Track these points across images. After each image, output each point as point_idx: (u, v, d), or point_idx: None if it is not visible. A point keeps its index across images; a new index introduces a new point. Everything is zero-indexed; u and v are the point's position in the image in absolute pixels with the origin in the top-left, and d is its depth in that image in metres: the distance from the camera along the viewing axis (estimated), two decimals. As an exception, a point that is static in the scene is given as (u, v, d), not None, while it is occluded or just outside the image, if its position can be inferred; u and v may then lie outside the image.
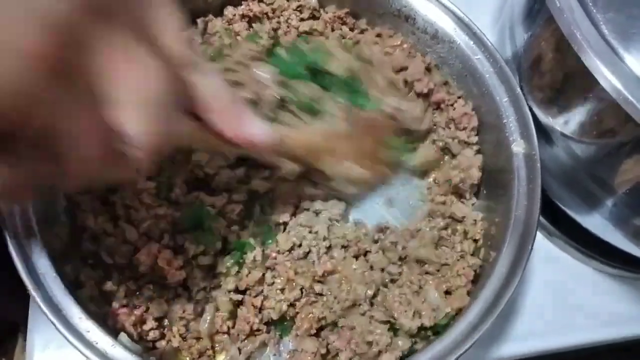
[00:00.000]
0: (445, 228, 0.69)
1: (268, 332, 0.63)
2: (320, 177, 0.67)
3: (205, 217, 0.64)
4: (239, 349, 0.62)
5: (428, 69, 0.76)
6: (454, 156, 0.74)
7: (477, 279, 0.65)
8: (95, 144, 0.38)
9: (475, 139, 0.72)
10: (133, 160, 0.39)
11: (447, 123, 0.75)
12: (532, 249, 0.61)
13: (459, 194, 0.72)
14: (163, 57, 0.39)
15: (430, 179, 0.75)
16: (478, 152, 0.73)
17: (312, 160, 0.63)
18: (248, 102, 0.67)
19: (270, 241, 0.66)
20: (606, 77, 0.54)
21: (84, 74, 0.35)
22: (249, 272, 0.63)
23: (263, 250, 0.64)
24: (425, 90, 0.73)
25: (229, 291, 0.63)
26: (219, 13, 0.76)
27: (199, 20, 0.73)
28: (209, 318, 0.62)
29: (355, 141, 0.66)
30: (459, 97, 0.75)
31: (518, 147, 0.66)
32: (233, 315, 0.63)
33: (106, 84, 0.36)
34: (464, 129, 0.73)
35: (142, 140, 0.38)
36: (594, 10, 0.57)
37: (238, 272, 0.63)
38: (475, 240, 0.68)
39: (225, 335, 0.62)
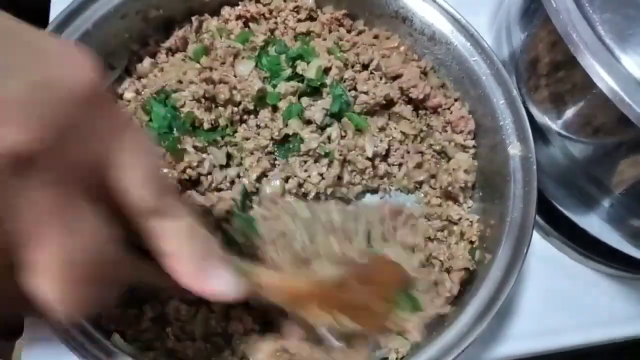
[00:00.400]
0: (442, 230, 0.69)
1: (261, 331, 0.63)
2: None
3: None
4: (233, 350, 0.61)
5: (424, 73, 0.76)
6: (449, 160, 0.74)
7: (472, 282, 0.65)
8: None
9: (472, 142, 0.72)
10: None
11: (444, 127, 0.75)
12: (527, 251, 0.62)
13: (452, 197, 0.71)
14: (116, 206, 0.35)
15: (426, 184, 0.74)
16: (474, 155, 0.73)
17: (294, 309, 0.54)
18: (225, 102, 0.68)
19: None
20: (602, 78, 0.54)
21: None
22: None
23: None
24: (421, 96, 0.73)
25: None
26: (216, 13, 0.76)
27: (193, 18, 0.73)
28: (202, 319, 0.62)
29: (349, 292, 0.55)
30: (456, 100, 0.75)
31: (514, 149, 0.67)
32: (227, 317, 0.62)
33: (24, 244, 0.31)
34: (461, 132, 0.73)
35: (57, 307, 0.33)
36: (591, 11, 0.57)
37: None
38: (472, 242, 0.68)
39: (219, 337, 0.62)
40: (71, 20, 0.65)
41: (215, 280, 0.42)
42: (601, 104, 0.57)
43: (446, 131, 0.74)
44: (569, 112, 0.65)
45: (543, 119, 0.68)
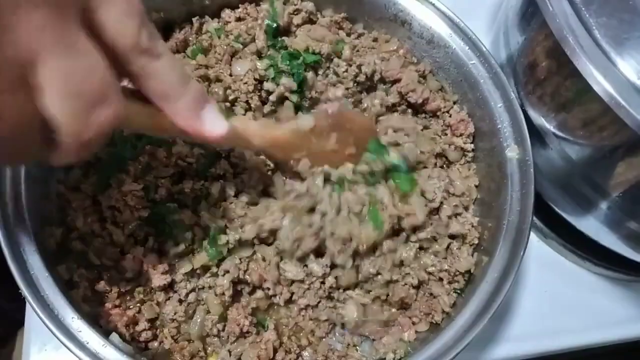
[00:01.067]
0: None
1: (257, 333, 0.63)
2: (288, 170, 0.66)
3: (166, 212, 0.63)
4: (229, 351, 0.62)
5: (423, 76, 0.76)
6: (450, 163, 0.74)
7: (469, 282, 0.66)
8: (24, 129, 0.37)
9: (470, 145, 0.73)
10: (63, 147, 0.39)
11: (444, 130, 0.75)
12: (524, 254, 0.62)
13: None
14: (107, 44, 0.39)
15: None
16: (472, 158, 0.73)
17: (277, 155, 0.63)
18: (219, 96, 0.69)
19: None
20: (599, 81, 0.54)
21: (15, 56, 0.34)
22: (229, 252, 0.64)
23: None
24: (420, 100, 0.74)
25: (224, 273, 0.63)
26: (216, 15, 0.76)
27: (194, 20, 0.74)
28: (199, 320, 0.62)
29: (323, 138, 0.64)
30: (454, 103, 0.75)
31: (512, 152, 0.67)
32: (223, 318, 0.63)
33: (39, 70, 0.35)
34: (461, 135, 0.73)
35: (68, 129, 0.37)
36: (587, 15, 0.57)
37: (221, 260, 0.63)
38: (473, 245, 0.68)
39: (216, 338, 0.63)
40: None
41: (207, 118, 0.48)
42: (597, 107, 0.57)
43: (446, 134, 0.74)
44: (566, 115, 0.65)
45: (540, 121, 0.69)
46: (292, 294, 0.64)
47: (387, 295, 0.66)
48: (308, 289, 0.64)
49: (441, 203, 0.68)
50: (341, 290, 0.65)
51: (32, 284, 0.54)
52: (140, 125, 0.49)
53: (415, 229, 0.67)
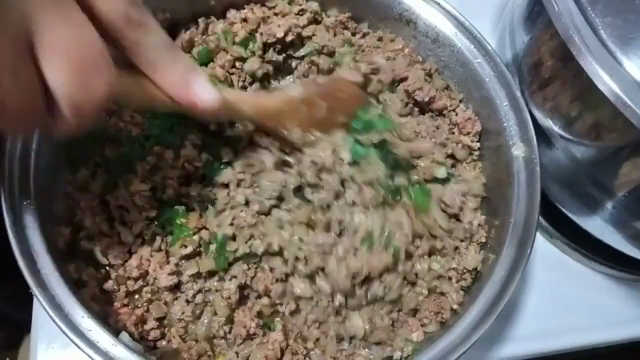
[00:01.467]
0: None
1: (264, 334, 0.64)
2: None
3: (174, 214, 0.63)
4: (237, 353, 0.62)
5: (429, 75, 0.76)
6: (457, 161, 0.74)
7: (476, 281, 0.66)
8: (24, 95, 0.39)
9: (477, 144, 0.73)
10: (64, 118, 0.41)
11: (451, 129, 0.75)
12: (531, 252, 0.62)
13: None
14: (97, 17, 0.41)
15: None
16: (479, 157, 0.73)
17: (269, 124, 0.63)
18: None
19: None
20: (604, 81, 0.54)
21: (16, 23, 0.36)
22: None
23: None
24: (427, 99, 0.74)
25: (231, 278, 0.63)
26: (222, 16, 0.76)
27: (200, 20, 0.74)
28: (206, 322, 0.62)
29: (314, 107, 0.64)
30: (460, 102, 0.75)
31: (518, 150, 0.67)
32: (230, 320, 0.63)
33: (40, 42, 0.38)
34: (468, 133, 0.73)
35: (67, 98, 0.39)
36: (593, 15, 0.57)
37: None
38: (480, 244, 0.68)
39: (223, 340, 0.63)
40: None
41: (199, 88, 0.49)
42: (603, 107, 0.57)
43: (453, 133, 0.74)
44: (572, 115, 0.65)
45: (546, 121, 0.69)
46: (298, 305, 0.64)
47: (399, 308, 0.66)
48: (316, 305, 0.64)
49: (461, 208, 0.68)
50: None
51: (42, 283, 0.54)
52: (134, 97, 0.50)
53: (434, 237, 0.67)
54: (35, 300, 0.64)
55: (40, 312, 0.64)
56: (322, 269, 0.62)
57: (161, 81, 0.47)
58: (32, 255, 0.55)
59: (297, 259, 0.62)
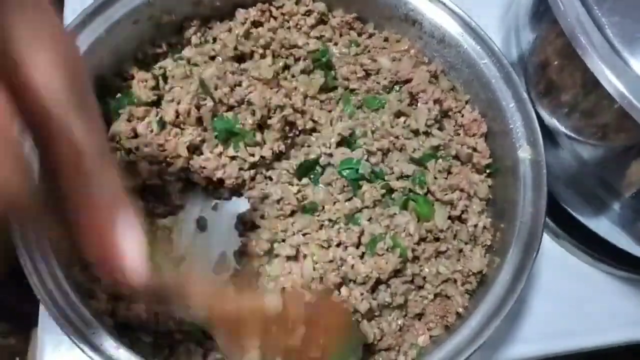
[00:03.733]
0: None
1: None
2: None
3: None
4: None
5: (435, 76, 0.76)
6: (462, 163, 0.73)
7: (481, 284, 0.66)
8: None
9: (484, 145, 0.72)
10: None
11: (456, 130, 0.74)
12: (537, 255, 0.62)
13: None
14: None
15: None
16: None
17: (219, 333, 0.49)
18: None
19: None
20: (611, 81, 0.54)
21: None
22: None
23: None
24: (431, 101, 0.73)
25: None
26: (227, 17, 0.76)
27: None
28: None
29: (291, 335, 0.50)
30: (466, 103, 0.74)
31: (524, 153, 0.66)
32: None
33: None
34: (474, 135, 0.73)
35: None
36: (599, 14, 0.57)
37: None
38: (485, 247, 0.68)
39: None
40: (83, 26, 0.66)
41: (128, 242, 0.35)
42: (610, 107, 0.57)
43: (458, 134, 0.74)
44: (578, 115, 0.65)
45: (552, 121, 0.68)
46: None
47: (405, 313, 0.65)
48: None
49: (462, 212, 0.68)
50: None
51: (47, 287, 0.54)
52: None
53: (437, 239, 0.67)
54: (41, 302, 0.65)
55: (47, 314, 0.64)
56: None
57: (79, 209, 0.35)
58: (36, 259, 0.55)
59: None
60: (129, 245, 0.35)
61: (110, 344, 0.53)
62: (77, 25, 0.65)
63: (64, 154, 0.33)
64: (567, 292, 0.75)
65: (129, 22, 0.69)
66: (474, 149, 0.72)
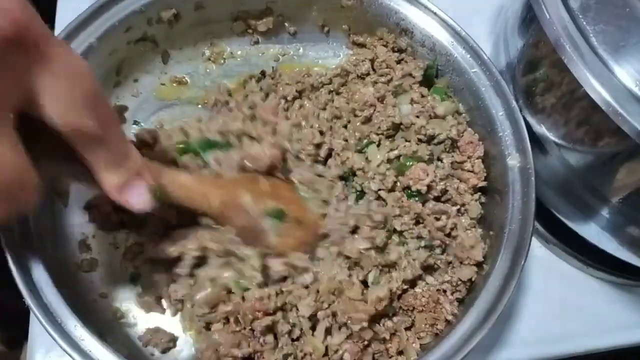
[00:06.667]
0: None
1: None
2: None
3: None
4: None
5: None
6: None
7: (470, 292, 0.66)
8: None
9: (481, 166, 0.71)
10: None
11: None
12: (525, 262, 0.62)
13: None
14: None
15: None
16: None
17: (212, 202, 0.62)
18: None
19: None
20: (595, 89, 0.54)
21: None
22: None
23: None
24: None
25: None
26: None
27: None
28: None
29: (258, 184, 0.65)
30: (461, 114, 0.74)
31: (513, 160, 0.67)
32: None
33: None
34: (469, 157, 0.72)
35: None
36: (584, 22, 0.57)
37: None
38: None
39: None
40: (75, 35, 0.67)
41: (132, 197, 0.51)
42: (595, 114, 0.57)
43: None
44: (565, 122, 0.65)
45: (540, 128, 0.69)
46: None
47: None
48: None
49: (453, 228, 0.67)
50: None
51: (35, 291, 0.55)
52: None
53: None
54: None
55: (37, 322, 0.64)
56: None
57: (101, 179, 0.49)
58: (27, 264, 0.56)
59: None
60: (137, 202, 0.51)
61: (99, 350, 0.53)
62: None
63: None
64: (557, 296, 0.76)
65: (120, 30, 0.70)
66: (470, 171, 0.71)
